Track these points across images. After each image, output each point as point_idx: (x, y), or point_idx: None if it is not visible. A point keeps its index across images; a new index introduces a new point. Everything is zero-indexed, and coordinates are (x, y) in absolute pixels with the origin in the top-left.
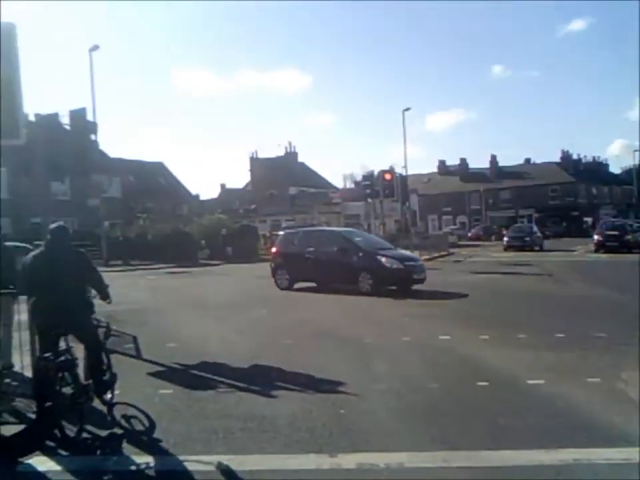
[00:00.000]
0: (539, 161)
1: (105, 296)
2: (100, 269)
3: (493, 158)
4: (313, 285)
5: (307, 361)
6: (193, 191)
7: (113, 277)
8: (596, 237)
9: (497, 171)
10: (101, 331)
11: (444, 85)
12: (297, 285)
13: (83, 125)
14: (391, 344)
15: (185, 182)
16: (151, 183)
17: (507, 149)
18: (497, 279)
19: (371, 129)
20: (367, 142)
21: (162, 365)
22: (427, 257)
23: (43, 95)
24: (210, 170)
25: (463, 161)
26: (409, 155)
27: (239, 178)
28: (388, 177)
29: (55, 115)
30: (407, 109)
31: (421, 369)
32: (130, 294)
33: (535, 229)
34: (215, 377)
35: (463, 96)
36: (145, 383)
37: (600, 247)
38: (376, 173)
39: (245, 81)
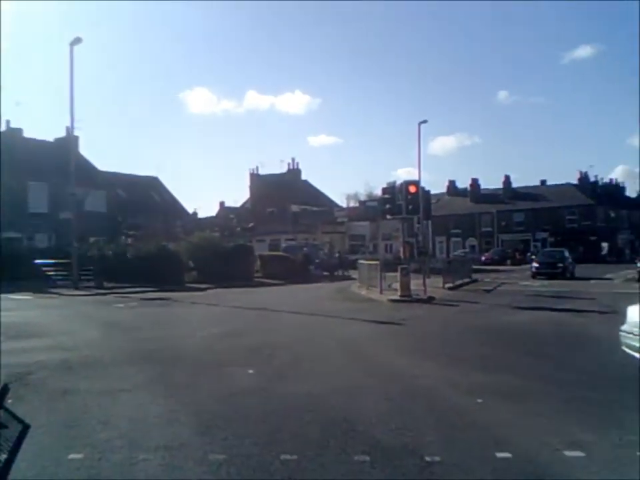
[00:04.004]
0: (554, 183)
1: None
2: (67, 292)
3: (507, 178)
4: None
5: None
6: (191, 209)
7: (66, 305)
8: (639, 263)
9: (510, 192)
10: None
11: (447, 110)
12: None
13: None
14: None
15: (183, 199)
16: (143, 199)
17: (516, 172)
18: (556, 318)
19: (375, 151)
20: (371, 162)
21: None
22: (450, 284)
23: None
24: (210, 188)
25: (475, 181)
26: (413, 176)
27: (240, 196)
28: (413, 189)
29: None
30: (424, 122)
31: None
32: (78, 332)
33: (567, 254)
34: None
35: (467, 121)
36: None
37: None
38: (397, 184)
39: (251, 103)
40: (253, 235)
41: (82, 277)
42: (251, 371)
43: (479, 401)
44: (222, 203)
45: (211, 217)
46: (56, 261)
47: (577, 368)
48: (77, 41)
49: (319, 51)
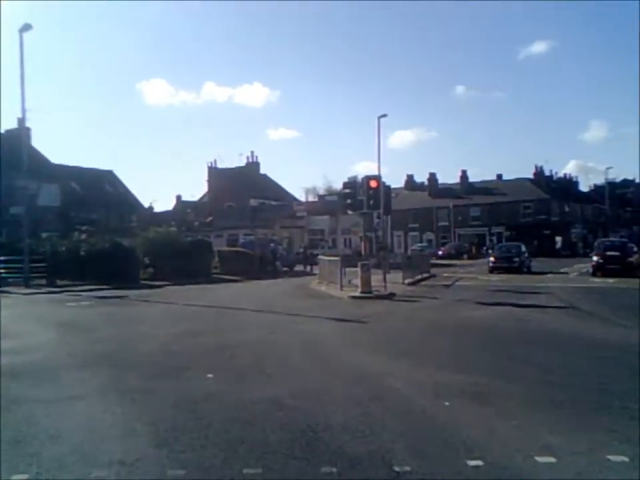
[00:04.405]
0: (510, 177)
1: None
2: (19, 290)
3: (464, 173)
4: None
5: None
6: (147, 203)
7: (17, 304)
8: (595, 258)
9: (467, 187)
10: None
11: (405, 104)
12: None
13: None
14: None
15: (138, 193)
16: (98, 192)
17: (473, 166)
18: (517, 314)
19: (334, 145)
20: (330, 156)
21: None
22: (410, 280)
23: None
24: (167, 182)
25: (432, 175)
26: (371, 170)
27: (197, 190)
28: (374, 184)
29: None
30: (383, 116)
31: None
32: (28, 333)
33: (524, 248)
34: None
35: (425, 115)
36: None
37: (599, 270)
38: (359, 179)
39: (209, 94)
40: (211, 229)
41: (33, 275)
42: (210, 375)
43: (446, 403)
44: (179, 197)
45: (168, 211)
46: (6, 257)
47: (544, 367)
48: (27, 27)
49: (279, 43)
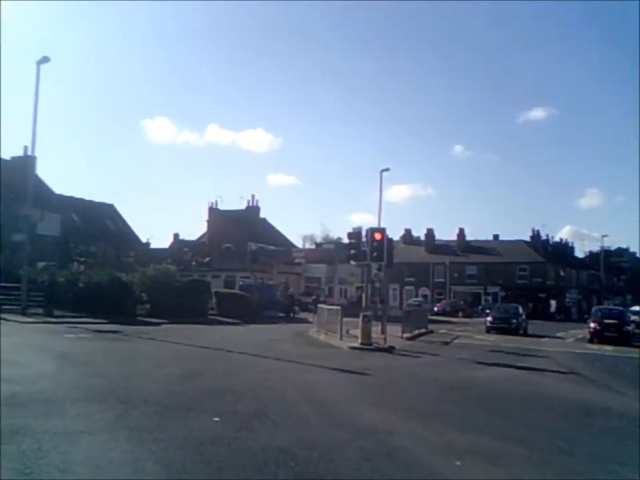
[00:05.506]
0: (507, 238)
1: None
2: (15, 318)
3: (461, 231)
4: None
5: None
6: (144, 238)
7: (13, 332)
8: (592, 324)
9: (464, 245)
10: None
11: (403, 160)
12: None
13: None
14: None
15: (135, 228)
16: (98, 225)
17: (469, 224)
18: (518, 376)
19: (331, 194)
20: (327, 205)
21: None
22: (409, 334)
23: None
24: (164, 219)
25: (430, 231)
26: (368, 221)
27: (195, 230)
28: (378, 236)
29: None
30: (385, 170)
31: None
32: (28, 363)
33: (521, 310)
34: None
35: (422, 172)
36: None
37: (595, 337)
38: (364, 231)
39: (212, 136)
40: (208, 270)
41: (30, 303)
42: (216, 419)
43: (458, 463)
44: (176, 235)
45: (164, 249)
46: (4, 284)
47: (552, 432)
48: (45, 59)
49: (284, 92)
